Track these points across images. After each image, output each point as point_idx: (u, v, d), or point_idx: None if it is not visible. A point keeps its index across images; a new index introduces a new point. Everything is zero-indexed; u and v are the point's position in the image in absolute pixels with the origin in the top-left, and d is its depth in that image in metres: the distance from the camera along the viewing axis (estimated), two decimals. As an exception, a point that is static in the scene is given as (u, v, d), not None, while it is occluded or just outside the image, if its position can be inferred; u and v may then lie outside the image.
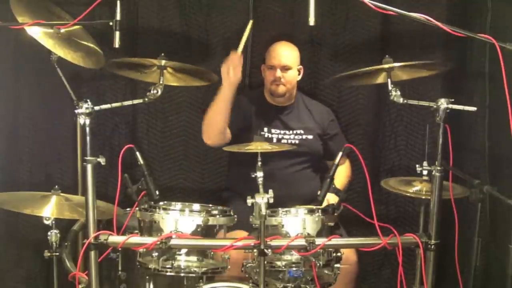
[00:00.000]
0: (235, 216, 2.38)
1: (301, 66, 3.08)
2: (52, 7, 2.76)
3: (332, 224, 2.32)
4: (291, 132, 3.06)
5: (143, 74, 2.53)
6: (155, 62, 2.39)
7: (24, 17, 2.50)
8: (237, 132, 2.98)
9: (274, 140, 3.01)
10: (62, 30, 2.57)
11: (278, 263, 2.24)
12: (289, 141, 3.03)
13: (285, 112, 3.10)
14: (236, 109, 2.97)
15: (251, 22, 2.98)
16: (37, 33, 2.52)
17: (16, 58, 3.16)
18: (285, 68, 3.00)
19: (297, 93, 3.14)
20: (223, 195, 3.17)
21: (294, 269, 2.23)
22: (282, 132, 3.05)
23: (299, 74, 3.08)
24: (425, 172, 2.45)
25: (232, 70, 2.82)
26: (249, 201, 2.06)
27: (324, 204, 2.34)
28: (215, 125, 2.90)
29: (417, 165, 2.46)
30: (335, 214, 2.30)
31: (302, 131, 3.06)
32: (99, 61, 2.79)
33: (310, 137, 3.06)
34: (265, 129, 3.03)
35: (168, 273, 2.22)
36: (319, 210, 2.29)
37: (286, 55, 3.02)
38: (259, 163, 2.18)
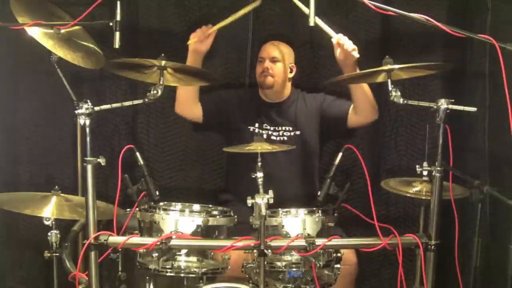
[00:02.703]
0: (235, 216, 2.38)
1: (293, 65, 3.09)
2: (52, 7, 2.76)
3: (332, 224, 2.33)
4: (280, 128, 3.06)
5: (143, 75, 2.53)
6: (155, 62, 2.39)
7: (24, 18, 2.50)
8: (213, 117, 3.10)
9: (265, 137, 3.02)
10: (62, 31, 2.57)
11: (278, 263, 2.25)
12: (278, 138, 3.04)
13: (276, 109, 3.10)
14: (216, 96, 3.12)
15: (256, 3, 2.86)
16: (37, 33, 2.52)
17: (16, 58, 3.16)
18: (273, 60, 3.02)
19: (293, 90, 3.14)
20: (219, 197, 3.17)
21: (294, 269, 2.23)
22: (272, 128, 3.06)
23: (291, 72, 3.09)
24: (425, 173, 2.45)
25: (199, 36, 2.91)
26: (249, 201, 2.06)
27: None
28: (179, 91, 3.05)
29: (417, 166, 2.46)
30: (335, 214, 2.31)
31: (290, 128, 3.06)
32: (99, 61, 2.79)
33: (298, 132, 3.05)
34: (257, 125, 3.06)
35: (168, 274, 2.22)
36: (319, 211, 2.30)
37: (275, 48, 3.05)
38: (259, 163, 2.18)
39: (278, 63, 3.03)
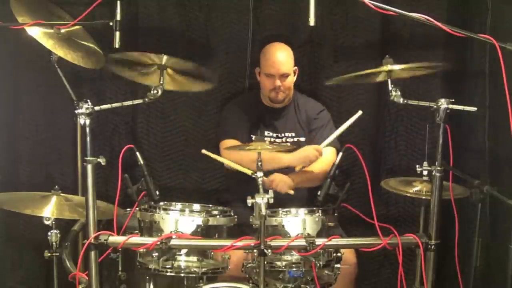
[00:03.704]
0: (236, 216, 2.38)
1: (296, 67, 3.05)
2: (52, 7, 2.76)
3: (332, 224, 2.33)
4: (282, 135, 3.04)
5: (143, 76, 2.52)
6: (156, 60, 2.37)
7: (24, 17, 2.50)
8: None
9: None
10: (62, 30, 2.56)
11: (278, 263, 2.25)
12: (282, 144, 3.01)
13: (280, 115, 3.08)
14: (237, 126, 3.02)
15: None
16: (37, 33, 2.52)
17: (16, 58, 3.16)
18: (284, 76, 2.96)
19: (295, 92, 3.12)
20: (221, 197, 3.16)
21: (294, 269, 2.23)
22: (275, 135, 3.03)
23: (294, 75, 3.05)
24: (425, 172, 2.45)
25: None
26: (249, 201, 2.06)
27: None
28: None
29: (417, 165, 2.46)
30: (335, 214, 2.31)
31: (293, 134, 3.04)
32: (99, 61, 2.78)
33: (302, 139, 3.03)
34: (258, 133, 3.00)
35: (168, 273, 2.22)
36: (319, 210, 2.29)
37: (283, 62, 2.96)
38: (259, 163, 2.18)
39: (288, 77, 2.98)
